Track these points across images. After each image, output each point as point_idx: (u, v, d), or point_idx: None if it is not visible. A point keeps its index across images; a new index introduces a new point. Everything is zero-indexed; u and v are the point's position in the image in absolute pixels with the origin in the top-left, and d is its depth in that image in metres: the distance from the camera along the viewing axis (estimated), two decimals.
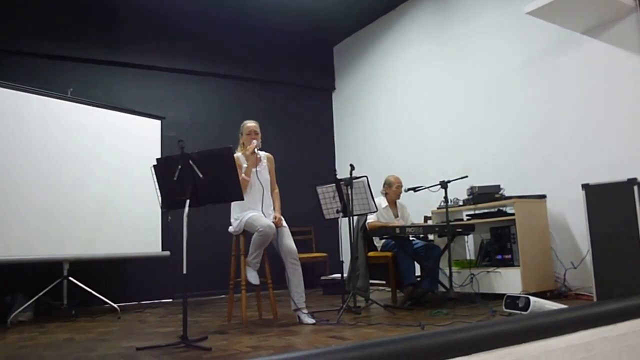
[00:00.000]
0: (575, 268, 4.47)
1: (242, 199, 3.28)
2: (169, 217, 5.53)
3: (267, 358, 1.93)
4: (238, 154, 3.84)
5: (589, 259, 3.92)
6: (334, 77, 7.88)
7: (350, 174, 4.16)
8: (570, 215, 4.60)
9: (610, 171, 4.07)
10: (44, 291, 4.52)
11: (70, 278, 4.71)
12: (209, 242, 5.72)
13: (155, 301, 5.92)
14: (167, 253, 5.49)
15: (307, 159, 7.29)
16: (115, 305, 4.75)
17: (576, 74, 4.65)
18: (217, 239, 5.03)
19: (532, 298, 3.32)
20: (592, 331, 2.71)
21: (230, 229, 3.89)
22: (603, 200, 3.82)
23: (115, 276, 5.67)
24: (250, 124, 3.98)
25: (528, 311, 3.23)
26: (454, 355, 2.18)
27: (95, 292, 4.76)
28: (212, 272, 5.75)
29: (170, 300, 6.00)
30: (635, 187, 3.67)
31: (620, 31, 4.31)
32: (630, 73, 4.23)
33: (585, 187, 3.89)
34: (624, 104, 4.28)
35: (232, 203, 3.82)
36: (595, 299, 3.79)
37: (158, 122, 5.67)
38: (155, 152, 5.41)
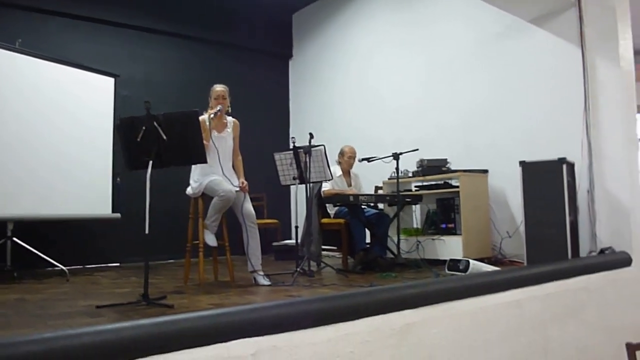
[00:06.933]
0: (510, 237, 4.87)
1: (206, 162, 3.35)
2: (118, 179, 5.46)
3: (249, 306, 2.08)
4: (204, 117, 3.87)
5: (522, 229, 4.29)
6: (291, 44, 7.90)
7: (309, 142, 4.29)
8: (508, 189, 4.97)
9: (546, 151, 4.41)
10: None
11: (15, 239, 4.60)
12: (160, 206, 5.69)
13: (103, 265, 5.84)
14: (118, 215, 5.44)
15: (261, 125, 7.27)
16: (64, 268, 4.69)
17: (522, 61, 4.98)
18: (167, 202, 4.93)
19: (471, 261, 3.63)
20: (522, 290, 3.05)
21: (189, 190, 3.93)
22: (537, 176, 4.17)
23: (62, 239, 5.52)
24: (219, 87, 3.99)
25: (468, 272, 3.54)
26: (403, 308, 2.43)
27: (41, 254, 4.67)
28: (163, 236, 5.74)
29: (118, 264, 5.93)
30: (564, 166, 4.04)
31: (562, 23, 4.62)
32: (569, 63, 4.53)
33: (522, 164, 4.23)
34: (562, 90, 4.63)
35: (193, 166, 3.87)
36: (525, 264, 4.17)
37: (112, 80, 5.51)
38: (108, 110, 5.31)
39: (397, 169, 4.69)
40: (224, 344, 1.79)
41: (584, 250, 4.27)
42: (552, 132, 4.67)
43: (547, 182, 4.11)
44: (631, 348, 2.22)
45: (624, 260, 3.89)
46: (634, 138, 4.32)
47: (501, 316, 2.87)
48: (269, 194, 6.86)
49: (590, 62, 4.37)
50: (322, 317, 2.13)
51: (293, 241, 6.05)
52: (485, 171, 5.08)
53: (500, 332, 2.84)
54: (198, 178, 3.87)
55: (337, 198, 4.76)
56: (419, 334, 2.40)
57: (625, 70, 4.23)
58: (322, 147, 4.36)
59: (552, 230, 4.05)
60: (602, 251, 4.07)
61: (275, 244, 6.38)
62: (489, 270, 3.58)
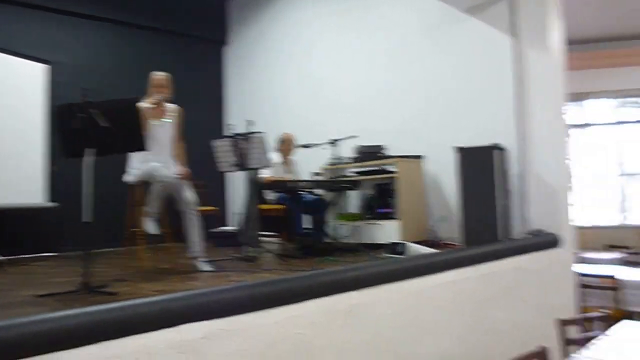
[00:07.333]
0: (445, 221, 5.10)
1: (145, 149, 3.28)
2: (54, 167, 5.25)
3: (202, 290, 2.10)
4: (143, 104, 3.77)
5: (457, 212, 4.51)
6: (226, 31, 7.77)
7: (248, 129, 4.29)
8: (444, 174, 5.19)
9: (479, 137, 4.58)
10: None
11: None
12: (98, 193, 5.51)
13: (39, 255, 5.56)
14: (54, 204, 5.23)
15: (194, 113, 7.09)
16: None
17: (458, 49, 5.19)
18: (106, 190, 4.81)
19: (408, 243, 3.80)
20: (459, 271, 3.24)
21: (128, 177, 3.85)
22: (471, 161, 4.40)
23: None
24: (159, 75, 3.92)
25: (405, 255, 3.70)
26: (348, 290, 2.53)
27: None
28: (101, 224, 5.53)
29: (55, 254, 5.69)
30: (496, 152, 4.28)
31: (494, 13, 4.84)
32: (501, 51, 4.76)
33: (458, 149, 4.44)
34: (495, 79, 4.86)
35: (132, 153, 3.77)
36: (460, 247, 4.40)
37: (44, 67, 5.30)
38: (40, 97, 5.10)
39: (334, 155, 4.78)
40: (174, 327, 1.81)
41: (515, 233, 4.53)
42: (486, 119, 4.89)
43: (480, 167, 4.33)
44: (561, 323, 2.42)
45: (552, 242, 4.18)
46: (563, 125, 4.58)
47: (441, 296, 3.04)
48: (206, 181, 6.78)
49: (521, 51, 4.59)
50: (270, 300, 2.19)
51: (232, 227, 6.04)
52: (420, 157, 5.28)
53: (441, 311, 3.02)
54: (137, 165, 3.79)
55: (276, 184, 4.80)
56: (365, 314, 2.52)
57: (554, 59, 4.48)
58: (262, 134, 4.37)
59: (485, 213, 4.28)
60: (532, 233, 4.33)
61: (214, 230, 6.34)
62: (427, 252, 3.76)
